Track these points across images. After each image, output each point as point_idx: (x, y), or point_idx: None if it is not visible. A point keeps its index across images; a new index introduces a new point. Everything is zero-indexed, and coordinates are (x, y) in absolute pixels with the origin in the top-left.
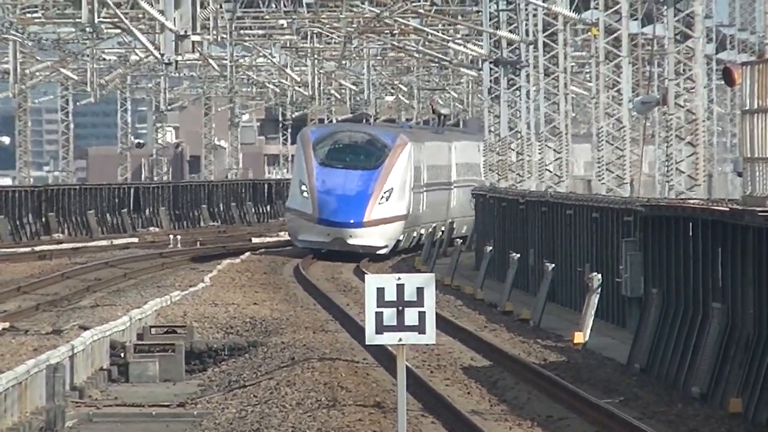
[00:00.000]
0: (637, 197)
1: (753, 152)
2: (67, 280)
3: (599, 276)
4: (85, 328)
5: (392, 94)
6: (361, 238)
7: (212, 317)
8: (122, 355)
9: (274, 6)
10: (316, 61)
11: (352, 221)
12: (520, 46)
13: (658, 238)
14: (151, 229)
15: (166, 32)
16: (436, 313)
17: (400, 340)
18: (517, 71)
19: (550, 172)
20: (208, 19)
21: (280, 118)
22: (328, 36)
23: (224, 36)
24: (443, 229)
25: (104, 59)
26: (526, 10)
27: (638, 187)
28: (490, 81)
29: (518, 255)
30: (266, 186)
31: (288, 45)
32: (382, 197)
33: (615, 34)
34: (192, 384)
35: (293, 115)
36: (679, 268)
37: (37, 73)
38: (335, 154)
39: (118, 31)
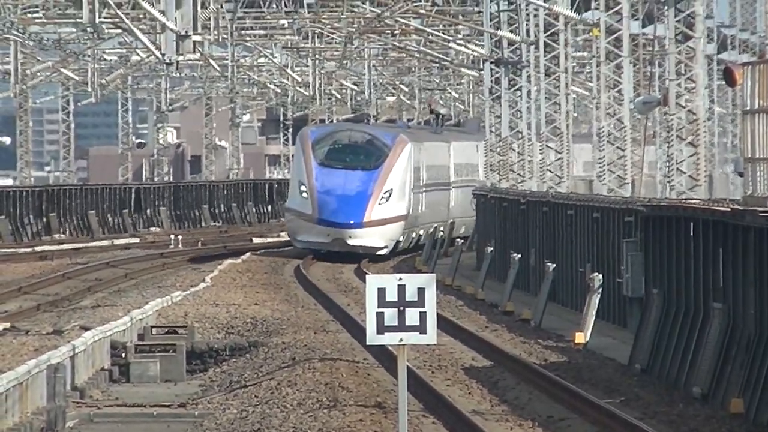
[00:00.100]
0: (638, 197)
1: (754, 152)
2: (68, 281)
3: (600, 276)
4: (86, 329)
5: (393, 95)
6: (360, 238)
7: (213, 317)
8: (123, 355)
9: (275, 6)
10: (317, 61)
11: (351, 222)
12: (521, 46)
13: (659, 239)
14: (152, 229)
15: (167, 32)
16: (437, 314)
17: (401, 340)
18: (518, 71)
19: (551, 172)
20: (209, 19)
21: (281, 119)
22: (329, 36)
23: (225, 36)
24: (442, 229)
25: (105, 59)
26: (527, 10)
27: (639, 188)
28: (491, 81)
29: (519, 255)
30: (267, 186)
31: (289, 45)
32: (382, 198)
33: (616, 35)
34: (193, 384)
35: (294, 116)
36: (680, 268)
37: (38, 74)
38: (335, 154)
39: (119, 31)
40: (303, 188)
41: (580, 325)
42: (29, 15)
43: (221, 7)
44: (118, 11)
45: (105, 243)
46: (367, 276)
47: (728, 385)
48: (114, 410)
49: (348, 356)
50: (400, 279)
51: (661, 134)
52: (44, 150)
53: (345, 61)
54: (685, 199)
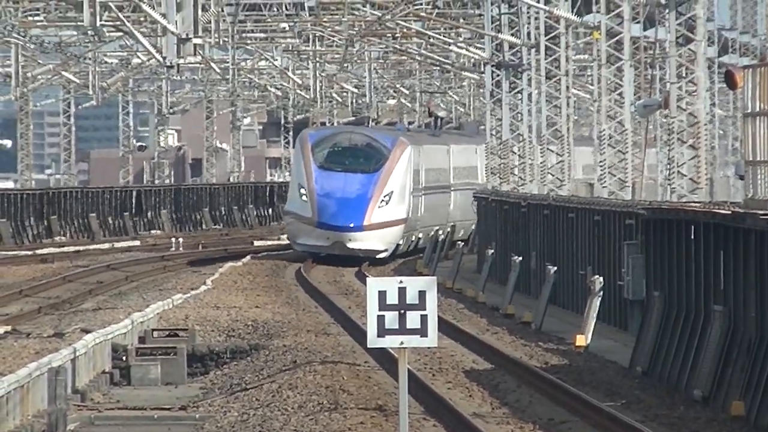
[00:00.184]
0: (638, 200)
1: (755, 155)
2: (69, 283)
3: (601, 279)
4: (87, 331)
5: (394, 98)
6: (361, 241)
7: (214, 320)
8: (124, 358)
9: (275, 9)
10: (317, 64)
11: (351, 225)
12: (521, 49)
13: (659, 241)
14: (153, 232)
15: (167, 35)
16: (438, 316)
17: (402, 343)
18: (519, 74)
19: (552, 175)
20: (210, 22)
21: (282, 122)
22: (329, 39)
23: (226, 39)
24: (441, 232)
25: (106, 62)
26: (528, 13)
27: (640, 191)
28: (492, 84)
29: (520, 258)
30: (268, 189)
31: (290, 48)
32: (382, 201)
33: (617, 38)
34: (194, 387)
35: (295, 119)
36: (680, 271)
37: (39, 76)
38: (334, 157)
39: (120, 34)
40: (303, 191)
41: (581, 328)
42: (30, 18)
43: (222, 10)
44: (119, 14)
45: (106, 246)
46: (367, 279)
47: (729, 388)
48: (115, 413)
49: (349, 359)
50: (401, 282)
51: (662, 137)
52: (45, 153)
53: (346, 64)
54: (686, 202)
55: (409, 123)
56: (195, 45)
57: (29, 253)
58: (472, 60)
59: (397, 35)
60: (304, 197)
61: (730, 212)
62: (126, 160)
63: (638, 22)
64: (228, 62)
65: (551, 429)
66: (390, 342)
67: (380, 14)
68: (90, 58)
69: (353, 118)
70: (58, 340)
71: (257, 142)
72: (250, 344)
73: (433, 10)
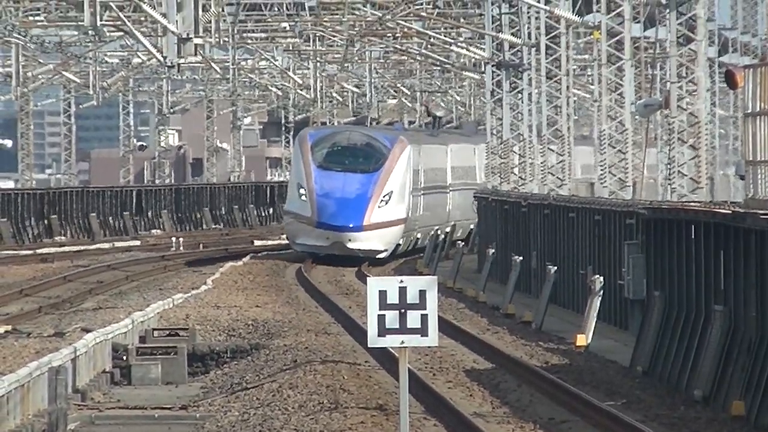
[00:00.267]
0: (639, 200)
1: (755, 155)
2: (70, 283)
3: (601, 278)
4: (88, 331)
5: (395, 98)
6: (360, 242)
7: (214, 320)
8: (124, 357)
9: (276, 9)
10: (318, 64)
11: (351, 225)
12: (522, 49)
13: (660, 241)
14: (154, 231)
15: (168, 35)
16: (439, 316)
17: (403, 342)
18: (520, 74)
19: (553, 175)
20: (210, 22)
21: (283, 121)
22: (330, 39)
23: (226, 39)
24: (439, 232)
25: (106, 62)
26: (528, 13)
27: (640, 190)
28: (493, 84)
29: (521, 258)
30: (268, 189)
31: (290, 48)
32: (382, 200)
33: (617, 37)
34: (194, 386)
35: (295, 118)
36: (681, 270)
37: (40, 76)
38: (334, 156)
39: (121, 34)
40: (302, 191)
41: (581, 328)
42: (31, 18)
43: (222, 9)
44: (119, 14)
45: (106, 245)
46: (368, 278)
47: (729, 388)
48: (115, 413)
49: (349, 358)
50: (402, 281)
51: (663, 137)
52: (45, 152)
53: (346, 64)
54: (687, 201)
55: (410, 123)
56: (195, 45)
57: (30, 252)
58: (473, 60)
59: (397, 35)
60: (303, 197)
61: (730, 212)
62: (126, 159)
63: (639, 22)
64: (228, 62)
65: (552, 428)
66: (390, 341)
67: (381, 14)
68: (90, 58)
69: (353, 118)
70: (59, 339)
71: (258, 141)
72: (251, 344)
73: (433, 10)
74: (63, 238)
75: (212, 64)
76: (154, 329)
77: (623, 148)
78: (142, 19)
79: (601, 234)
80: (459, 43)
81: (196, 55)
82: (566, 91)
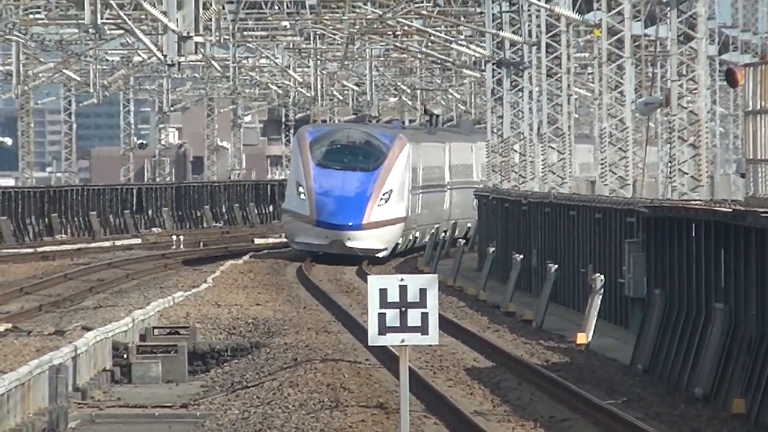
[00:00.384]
0: (639, 198)
1: (756, 153)
2: (70, 281)
3: (602, 277)
4: (88, 329)
5: (395, 96)
6: (359, 240)
7: (215, 318)
8: (125, 356)
9: (276, 7)
10: (318, 62)
11: (350, 224)
12: (522, 47)
13: (660, 239)
14: (154, 229)
15: (168, 33)
16: (439, 314)
17: (403, 341)
18: (520, 72)
19: (553, 173)
20: (211, 20)
21: (283, 119)
22: (330, 37)
23: (227, 37)
24: (438, 231)
25: (107, 60)
26: (529, 11)
27: (641, 188)
28: (493, 82)
29: (521, 256)
30: (269, 187)
31: (291, 46)
32: (381, 199)
33: (618, 36)
34: (195, 385)
35: (296, 116)
36: (681, 268)
37: (40, 74)
38: (333, 155)
39: (121, 32)
40: (301, 189)
41: (581, 326)
42: (31, 16)
43: (223, 8)
44: (120, 12)
45: (107, 243)
46: (368, 277)
47: (730, 386)
48: (116, 411)
49: (350, 357)
50: (402, 280)
51: (663, 135)
52: (46, 151)
53: (347, 62)
54: (687, 200)
55: (410, 121)
56: (196, 43)
57: (30, 250)
58: (473, 58)
59: (398, 33)
60: (302, 195)
61: (731, 210)
62: (127, 158)
63: (639, 20)
64: (229, 60)
65: (552, 427)
66: (391, 340)
67: (381, 12)
68: (91, 56)
69: (354, 117)
70: (59, 337)
71: (258, 140)
72: (251, 342)
73: (434, 8)
74: (63, 236)
75: (213, 62)
76: (154, 327)
77: (624, 146)
78: (143, 17)
79: (602, 232)
80: (459, 42)
81: (196, 53)
82: (567, 89)
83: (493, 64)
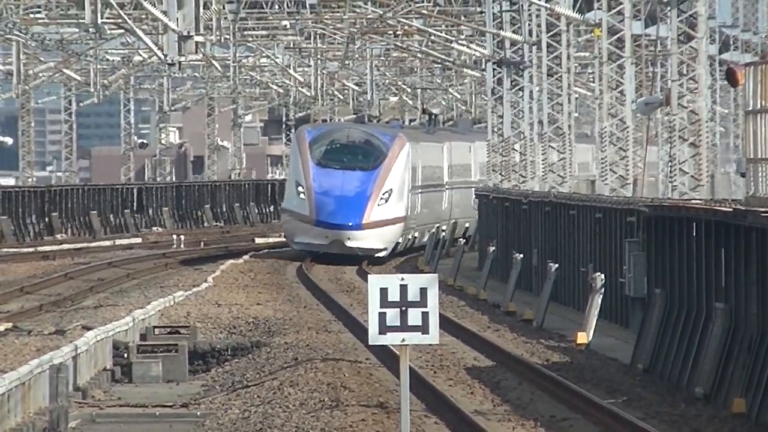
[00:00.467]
0: (640, 198)
1: (756, 153)
2: (70, 281)
3: (602, 276)
4: (89, 329)
5: (396, 95)
6: (359, 240)
7: (215, 317)
8: (125, 355)
9: (277, 7)
10: (319, 61)
11: (350, 223)
12: (523, 46)
13: (661, 239)
14: (155, 229)
15: (169, 33)
16: (440, 314)
17: (404, 340)
18: (521, 72)
19: (554, 172)
20: (211, 19)
21: (283, 119)
22: (331, 36)
23: (227, 37)
24: (436, 231)
25: (107, 60)
26: (529, 10)
27: (641, 188)
28: (494, 81)
29: (521, 255)
30: (269, 186)
31: (291, 46)
32: (381, 198)
33: (618, 35)
34: (195, 384)
35: (296, 116)
36: (682, 268)
37: (41, 74)
38: (332, 154)
39: (122, 31)
40: (300, 189)
41: (582, 325)
42: (32, 15)
43: (223, 7)
44: (120, 12)
45: (107, 243)
46: (369, 276)
47: (730, 385)
48: (116, 410)
49: (350, 356)
50: (403, 279)
51: (663, 135)
52: (46, 150)
53: (347, 62)
54: (688, 199)
55: (411, 121)
56: (196, 42)
57: (30, 250)
58: (474, 57)
59: (398, 33)
60: (301, 195)
61: (731, 210)
62: (127, 157)
63: (639, 20)
64: (229, 59)
65: (552, 426)
66: (391, 339)
67: (382, 12)
68: (91, 56)
69: (354, 116)
70: (60, 337)
71: (259, 139)
72: (252, 341)
73: (434, 7)
74: (64, 235)
75: (213, 61)
76: (155, 327)
77: (624, 145)
78: (143, 16)
79: (602, 231)
80: (460, 41)
81: (196, 52)
82: (567, 88)
83: (494, 63)
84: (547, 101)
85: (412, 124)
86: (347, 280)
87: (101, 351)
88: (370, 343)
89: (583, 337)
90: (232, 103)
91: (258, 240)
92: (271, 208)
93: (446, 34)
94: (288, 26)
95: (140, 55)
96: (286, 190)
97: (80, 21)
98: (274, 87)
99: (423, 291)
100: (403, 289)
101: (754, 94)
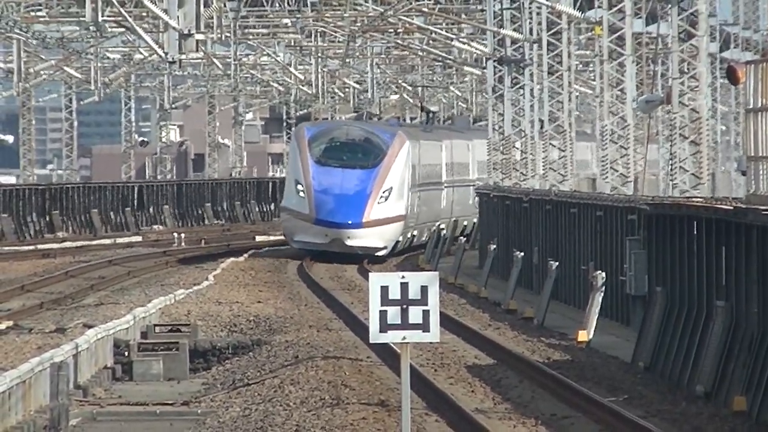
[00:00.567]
0: (640, 196)
1: (757, 151)
2: (71, 279)
3: (603, 274)
4: (89, 327)
5: (396, 93)
6: (359, 239)
7: (216, 316)
8: (126, 353)
9: (278, 5)
10: (319, 59)
11: (350, 222)
12: (523, 44)
13: (662, 237)
14: (155, 227)
15: (169, 31)
16: (440, 312)
17: (404, 338)
18: (521, 70)
19: (554, 170)
20: (212, 17)
21: (284, 117)
22: (331, 34)
23: (228, 35)
24: (433, 230)
25: (108, 58)
26: (530, 8)
27: (642, 186)
28: (494, 79)
29: (522, 253)
30: (270, 184)
31: (292, 44)
32: (381, 197)
33: (619, 33)
34: (196, 383)
35: (297, 114)
36: (683, 266)
37: (41, 72)
38: (332, 152)
39: (122, 29)
40: (300, 187)
41: (583, 323)
42: (32, 13)
43: (224, 5)
44: (121, 10)
45: (108, 241)
46: (370, 274)
47: (731, 384)
48: (117, 408)
49: (351, 354)
50: (403, 277)
51: (664, 132)
52: (47, 148)
53: (348, 60)
54: (688, 197)
55: (411, 119)
56: (197, 40)
57: (31, 248)
58: (474, 55)
59: (399, 31)
60: (301, 193)
61: (732, 208)
62: (128, 155)
63: (640, 18)
64: (230, 58)
65: (553, 424)
66: (392, 337)
67: (382, 10)
68: (92, 54)
69: (354, 115)
70: (60, 335)
71: (259, 137)
72: (252, 339)
73: (435, 5)
74: (64, 233)
75: (214, 59)
76: (155, 325)
77: (625, 143)
78: (144, 14)
79: (603, 230)
80: (460, 39)
81: (197, 50)
82: (568, 86)
83: (494, 61)
84: (548, 99)
85: (411, 122)
86: (348, 278)
87: (102, 349)
88: (370, 341)
89: (583, 335)
90: (232, 101)
91: (259, 238)
92: (272, 206)
93: (447, 32)
94: (289, 24)
95: (141, 53)
96: (285, 189)
97: (81, 19)
98: (275, 85)
99: (424, 289)
100: (404, 287)
101: (754, 92)
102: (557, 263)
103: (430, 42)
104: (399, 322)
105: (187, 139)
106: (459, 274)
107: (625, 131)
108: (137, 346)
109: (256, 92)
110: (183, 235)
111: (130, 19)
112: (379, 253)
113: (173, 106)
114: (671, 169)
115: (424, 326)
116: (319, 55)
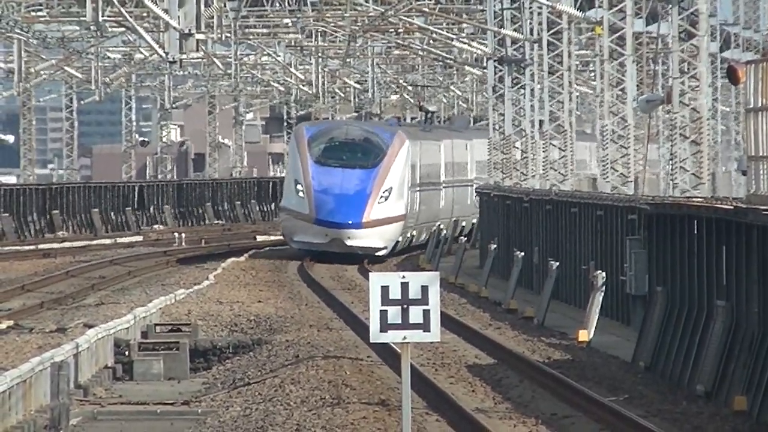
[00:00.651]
0: (641, 195)
1: (757, 150)
2: (72, 279)
3: (604, 274)
4: (90, 326)
5: (397, 93)
6: (359, 239)
7: (217, 315)
8: (127, 353)
9: (278, 5)
10: (320, 59)
11: (350, 222)
12: (524, 44)
13: (662, 236)
14: (156, 227)
15: (170, 31)
16: (441, 311)
17: (405, 338)
18: (522, 69)
19: (555, 170)
20: (213, 17)
21: (285, 117)
22: (332, 34)
23: (228, 34)
24: (433, 230)
25: (109, 57)
26: (531, 8)
27: (642, 186)
28: (495, 79)
29: (522, 253)
30: (270, 184)
31: (292, 43)
32: (381, 197)
33: (619, 33)
34: (196, 382)
35: (297, 114)
36: (683, 266)
37: (42, 72)
38: (331, 152)
39: (123, 29)
40: (299, 187)
41: (583, 323)
42: (33, 13)
43: (224, 5)
44: (121, 9)
45: (108, 241)
46: (370, 274)
47: (731, 383)
48: (117, 408)
49: (352, 354)
50: (404, 277)
51: (664, 132)
52: (47, 148)
53: (348, 60)
54: (689, 197)
55: (412, 119)
56: (197, 40)
57: (32, 248)
58: (475, 55)
59: (399, 30)
60: (300, 193)
61: (732, 207)
62: (128, 155)
63: (641, 18)
64: (230, 57)
65: (554, 424)
66: (393, 337)
67: (383, 9)
68: (92, 54)
69: (354, 114)
70: (61, 335)
71: (260, 137)
72: (253, 339)
73: (435, 5)
74: (65, 233)
75: (214, 59)
76: (156, 325)
77: (625, 143)
78: (144, 14)
79: (603, 229)
80: (461, 39)
81: (198, 50)
82: (568, 86)
83: (495, 61)
84: (548, 99)
85: (411, 121)
86: (348, 277)
87: (102, 349)
88: (371, 341)
89: (584, 335)
90: (233, 101)
91: (259, 238)
92: (273, 206)
93: (447, 31)
94: (289, 24)
95: (141, 52)
96: (284, 189)
97: (81, 19)
98: (276, 85)
99: (424, 289)
100: (405, 286)
101: (755, 92)
102: (558, 263)
103: (431, 42)
104: (399, 321)
105: (187, 138)
106: (459, 274)
107: (625, 131)
108: (138, 345)
109: (257, 92)
110: (183, 234)
111: (130, 19)
112: (379, 253)
113: (174, 105)
114: (672, 169)
115: (425, 326)
116: (320, 55)
